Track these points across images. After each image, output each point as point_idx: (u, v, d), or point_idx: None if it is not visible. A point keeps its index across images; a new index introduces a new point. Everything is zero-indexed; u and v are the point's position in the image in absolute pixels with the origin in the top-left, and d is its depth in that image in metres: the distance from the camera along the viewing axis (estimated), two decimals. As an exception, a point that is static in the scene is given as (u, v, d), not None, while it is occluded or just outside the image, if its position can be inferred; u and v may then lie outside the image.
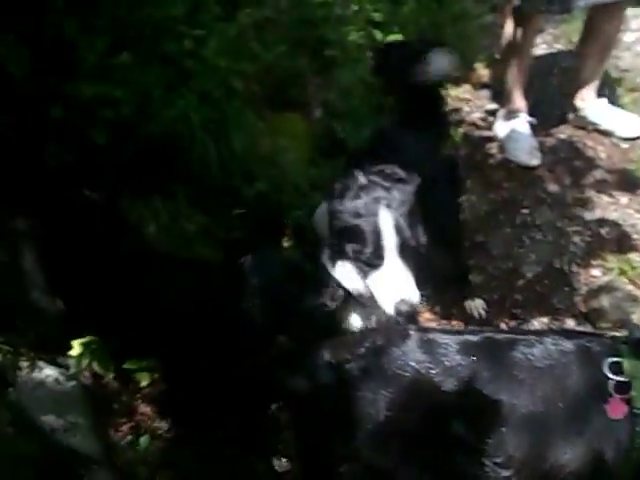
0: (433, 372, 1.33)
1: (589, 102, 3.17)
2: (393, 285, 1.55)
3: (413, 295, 1.55)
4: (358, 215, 1.57)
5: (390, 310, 1.55)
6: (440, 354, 1.35)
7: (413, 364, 1.34)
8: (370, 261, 1.56)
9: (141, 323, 1.87)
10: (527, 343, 1.34)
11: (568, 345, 1.33)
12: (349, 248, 1.60)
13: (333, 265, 1.67)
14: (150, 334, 1.91)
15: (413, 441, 1.32)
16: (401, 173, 1.63)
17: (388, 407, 1.32)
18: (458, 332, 1.58)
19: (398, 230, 1.54)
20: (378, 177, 1.62)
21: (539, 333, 1.51)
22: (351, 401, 1.35)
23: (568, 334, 1.39)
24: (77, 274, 1.90)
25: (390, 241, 1.54)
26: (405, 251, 1.56)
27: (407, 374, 1.33)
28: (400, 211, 1.56)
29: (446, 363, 1.33)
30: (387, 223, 1.54)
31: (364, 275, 1.60)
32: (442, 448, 1.31)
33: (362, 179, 1.62)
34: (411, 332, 1.40)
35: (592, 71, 3.09)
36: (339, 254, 1.64)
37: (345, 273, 1.66)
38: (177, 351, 1.96)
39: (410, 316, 1.55)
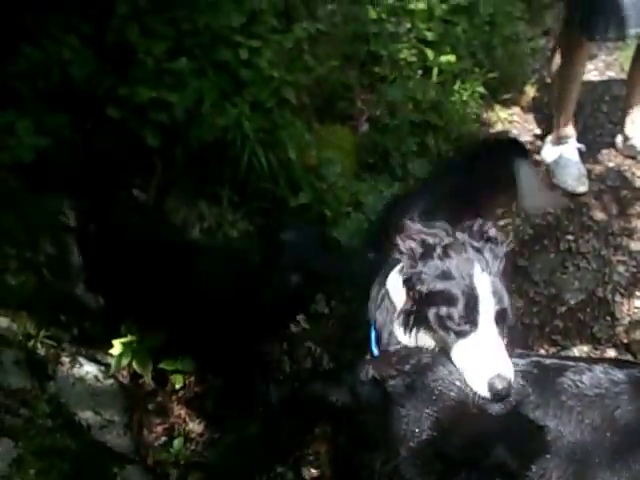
0: (479, 393, 1.31)
1: (639, 131, 3.12)
2: (487, 357, 1.32)
3: (509, 370, 1.31)
4: (448, 277, 1.37)
5: (482, 387, 1.31)
6: (487, 376, 1.33)
7: (459, 384, 1.32)
8: (459, 328, 1.35)
9: (179, 323, 1.89)
10: (576, 370, 1.31)
11: (619, 375, 1.29)
12: (432, 314, 1.39)
13: (409, 334, 1.47)
14: (188, 335, 1.93)
15: (455, 463, 1.30)
16: (491, 231, 1.44)
17: (432, 426, 1.30)
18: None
19: (495, 294, 1.34)
20: (465, 235, 1.43)
21: (588, 360, 1.47)
22: (394, 418, 1.34)
23: (619, 364, 1.35)
24: (119, 272, 1.93)
25: (487, 306, 1.34)
26: (501, 319, 1.35)
27: (453, 394, 1.32)
28: (495, 274, 1.37)
29: (492, 385, 1.31)
30: (484, 285, 1.34)
31: (447, 346, 1.39)
32: (484, 472, 1.29)
33: (446, 237, 1.44)
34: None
35: (643, 100, 3.05)
36: (417, 323, 1.44)
37: (422, 345, 1.47)
38: (213, 354, 1.98)
39: (506, 396, 1.30)
